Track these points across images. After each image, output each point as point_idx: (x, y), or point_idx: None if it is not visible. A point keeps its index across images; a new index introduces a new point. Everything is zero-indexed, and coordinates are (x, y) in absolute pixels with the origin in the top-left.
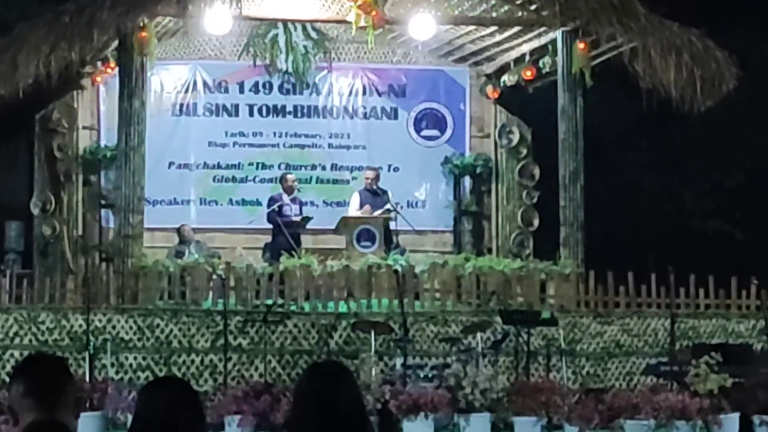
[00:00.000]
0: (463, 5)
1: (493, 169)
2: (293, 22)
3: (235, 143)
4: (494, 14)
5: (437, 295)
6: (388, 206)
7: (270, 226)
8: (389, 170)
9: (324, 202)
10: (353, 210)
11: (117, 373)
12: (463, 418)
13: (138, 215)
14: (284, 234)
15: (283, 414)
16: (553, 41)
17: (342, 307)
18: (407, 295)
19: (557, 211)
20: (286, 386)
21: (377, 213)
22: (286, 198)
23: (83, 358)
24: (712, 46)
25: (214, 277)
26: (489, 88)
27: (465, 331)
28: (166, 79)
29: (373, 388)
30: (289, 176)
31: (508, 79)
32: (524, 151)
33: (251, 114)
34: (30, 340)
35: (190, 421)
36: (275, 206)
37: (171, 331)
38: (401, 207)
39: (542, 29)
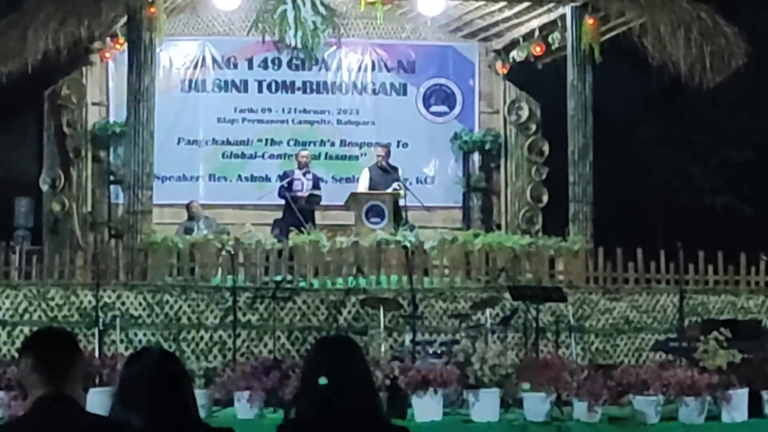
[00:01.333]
0: None
1: (502, 145)
2: None
3: (244, 119)
4: None
5: (446, 271)
6: (396, 185)
7: (279, 202)
8: (398, 146)
9: (333, 178)
10: (362, 187)
11: (126, 349)
12: (472, 393)
13: (147, 191)
14: (293, 210)
15: (292, 390)
16: (563, 17)
17: (351, 283)
18: (416, 272)
19: (566, 187)
20: (296, 362)
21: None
22: (298, 173)
23: (92, 334)
24: (721, 21)
25: (224, 253)
26: (498, 64)
27: (474, 307)
28: (175, 55)
29: (382, 364)
30: (302, 152)
31: (517, 54)
32: (533, 127)
33: (260, 90)
34: (39, 316)
35: (172, 388)
36: (285, 182)
37: (180, 307)
38: (410, 183)
39: (551, 5)
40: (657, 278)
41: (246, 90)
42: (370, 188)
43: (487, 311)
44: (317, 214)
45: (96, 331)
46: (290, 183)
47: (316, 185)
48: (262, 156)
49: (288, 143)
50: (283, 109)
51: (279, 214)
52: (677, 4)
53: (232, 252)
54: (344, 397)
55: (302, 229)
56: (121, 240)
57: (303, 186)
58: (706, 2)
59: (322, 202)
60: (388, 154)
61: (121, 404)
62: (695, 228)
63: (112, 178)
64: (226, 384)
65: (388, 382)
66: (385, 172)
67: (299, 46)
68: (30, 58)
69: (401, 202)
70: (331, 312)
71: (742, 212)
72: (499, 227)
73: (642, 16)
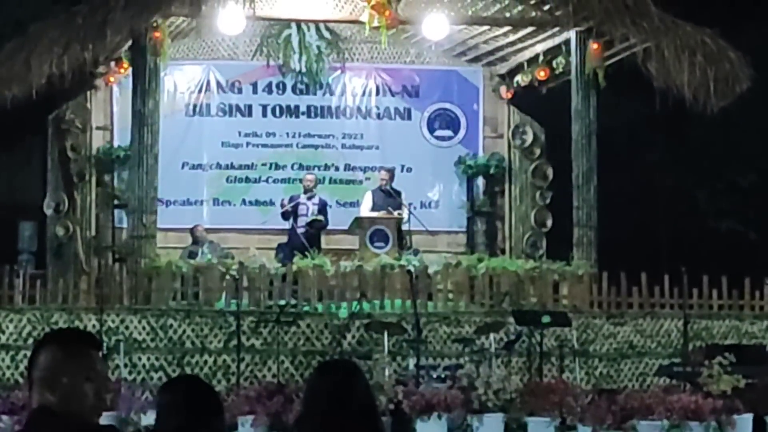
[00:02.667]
0: (477, 5)
1: (507, 170)
2: (306, 22)
3: (248, 143)
4: (508, 14)
5: (450, 295)
6: (403, 211)
7: (283, 226)
8: (402, 170)
9: (337, 202)
10: (365, 210)
11: (130, 373)
12: (476, 418)
13: (151, 215)
14: (297, 234)
15: (295, 414)
16: (567, 41)
17: (354, 307)
18: (420, 296)
19: (570, 212)
20: (299, 387)
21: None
22: (303, 197)
23: None
24: (725, 46)
25: (227, 277)
26: (502, 89)
27: (478, 331)
28: (180, 80)
29: (386, 388)
30: (308, 176)
31: (521, 79)
32: (537, 152)
33: (264, 114)
34: None
35: (207, 418)
36: (288, 206)
37: (184, 331)
38: (414, 207)
39: (556, 29)
40: (661, 303)
41: (250, 114)
42: (372, 211)
43: (491, 335)
44: (322, 237)
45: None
46: (295, 207)
47: (322, 210)
48: (267, 180)
49: (292, 167)
50: (288, 134)
51: (283, 239)
52: (681, 28)
53: (236, 276)
54: (348, 421)
55: (306, 253)
56: (125, 264)
57: (308, 210)
58: (711, 27)
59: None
60: (392, 177)
61: None
62: (699, 252)
63: (116, 202)
64: (230, 408)
65: (392, 406)
66: (388, 196)
67: (303, 70)
68: (34, 82)
69: (405, 227)
70: (335, 336)
71: (746, 236)
72: (503, 251)
73: (646, 41)
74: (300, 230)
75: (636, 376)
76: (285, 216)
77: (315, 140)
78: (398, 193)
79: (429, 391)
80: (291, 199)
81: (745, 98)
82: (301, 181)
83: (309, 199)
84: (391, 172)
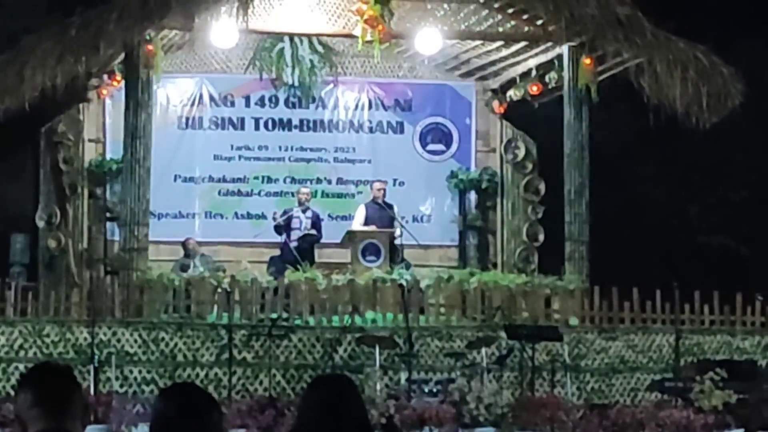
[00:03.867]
0: (470, 20)
1: (499, 184)
2: (299, 36)
3: (240, 157)
4: (500, 29)
5: (442, 309)
6: (396, 228)
7: (275, 239)
8: (395, 184)
9: (329, 216)
10: (358, 223)
11: (121, 386)
12: None
13: (143, 228)
14: (290, 247)
15: (287, 428)
16: (560, 56)
17: (346, 321)
18: (412, 310)
19: (562, 227)
20: (291, 400)
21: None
22: (296, 211)
23: (88, 371)
24: (717, 62)
25: (219, 290)
26: (495, 103)
27: (470, 346)
28: (172, 93)
29: (378, 402)
30: (302, 189)
31: (514, 93)
32: (530, 166)
33: (257, 127)
34: (35, 353)
35: (203, 425)
36: (281, 219)
37: (176, 344)
38: (407, 221)
39: (548, 44)
40: (653, 318)
41: (243, 127)
42: (365, 224)
43: (483, 350)
44: (314, 251)
45: (91, 368)
46: (288, 220)
47: (315, 224)
48: (258, 193)
49: (284, 181)
50: (280, 147)
51: (275, 252)
52: (674, 44)
53: (228, 289)
54: None
55: (298, 266)
56: (117, 277)
57: (301, 224)
58: (703, 43)
59: (320, 240)
60: (385, 190)
61: None
62: (691, 267)
63: (108, 214)
64: None
65: (383, 420)
66: (382, 209)
67: (296, 84)
68: (27, 94)
69: (397, 241)
70: (326, 350)
71: (738, 252)
72: (495, 266)
73: (639, 56)
74: (292, 244)
75: (627, 392)
76: (278, 229)
77: (307, 154)
78: (390, 207)
79: (420, 405)
80: (284, 213)
81: (737, 114)
82: (293, 194)
83: (303, 212)
84: (385, 183)
